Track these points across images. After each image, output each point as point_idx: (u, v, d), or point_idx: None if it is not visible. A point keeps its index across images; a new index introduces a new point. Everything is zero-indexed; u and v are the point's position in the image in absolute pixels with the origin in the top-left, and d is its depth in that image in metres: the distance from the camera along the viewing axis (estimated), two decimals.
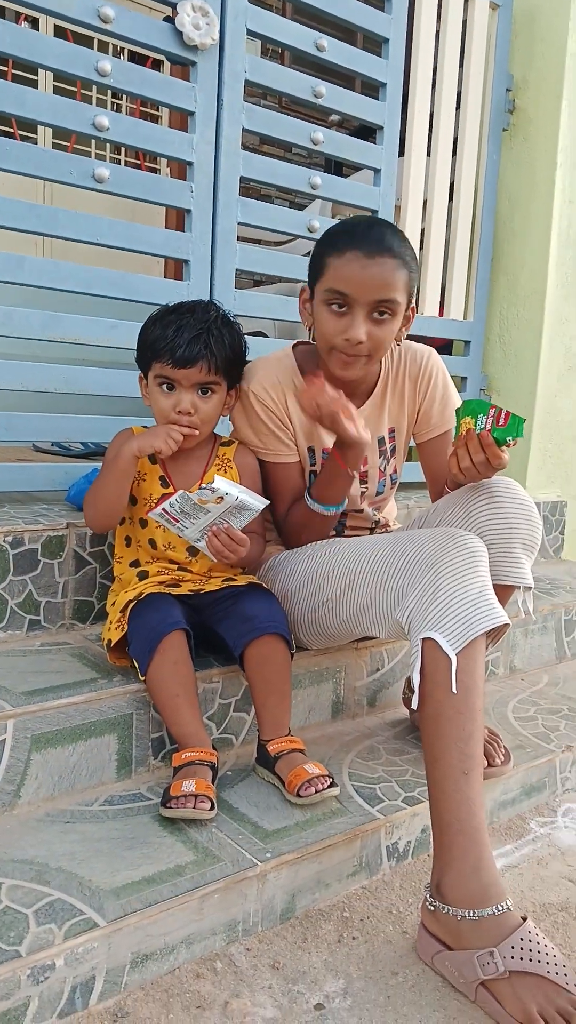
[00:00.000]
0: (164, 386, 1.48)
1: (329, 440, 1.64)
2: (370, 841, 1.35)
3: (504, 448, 1.37)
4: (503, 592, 1.46)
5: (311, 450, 1.64)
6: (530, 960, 1.05)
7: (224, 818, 1.31)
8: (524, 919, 1.11)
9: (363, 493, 1.70)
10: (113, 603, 1.51)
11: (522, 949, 1.06)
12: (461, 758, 1.20)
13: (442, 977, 1.15)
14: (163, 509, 1.40)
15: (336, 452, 1.50)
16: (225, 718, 1.54)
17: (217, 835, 1.27)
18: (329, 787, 1.34)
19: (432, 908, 1.16)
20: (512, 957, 1.06)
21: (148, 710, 1.43)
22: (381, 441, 1.69)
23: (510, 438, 1.36)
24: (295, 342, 1.70)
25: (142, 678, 1.38)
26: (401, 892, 1.34)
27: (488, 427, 1.36)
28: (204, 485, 1.37)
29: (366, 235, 1.43)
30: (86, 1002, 1.04)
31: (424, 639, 1.26)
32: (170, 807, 1.27)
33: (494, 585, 1.37)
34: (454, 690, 1.22)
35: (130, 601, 1.44)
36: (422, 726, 1.26)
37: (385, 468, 1.71)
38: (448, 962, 1.13)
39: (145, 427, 1.58)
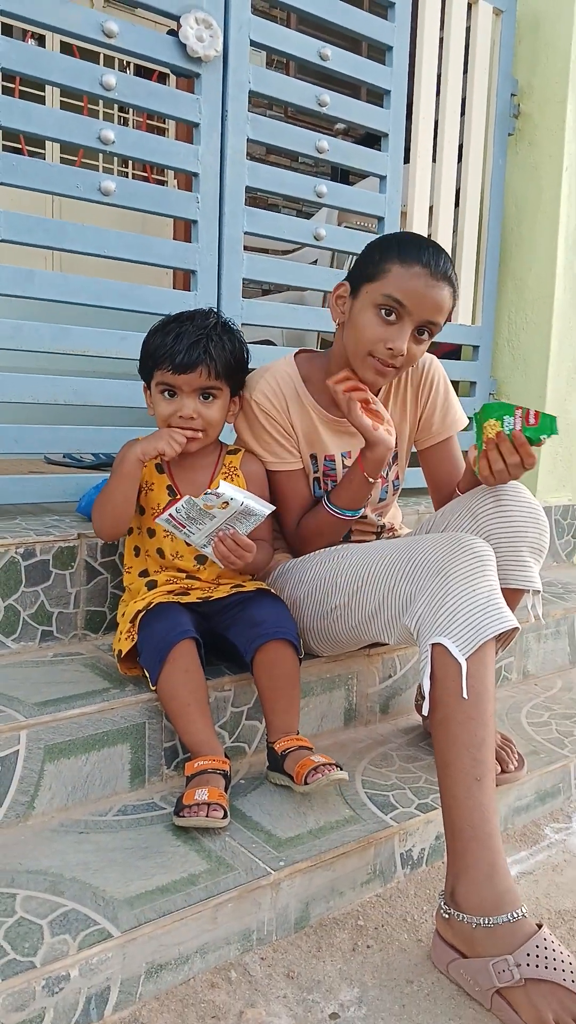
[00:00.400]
0: (166, 393, 1.50)
1: (333, 447, 1.64)
2: (384, 849, 1.35)
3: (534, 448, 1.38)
4: (512, 596, 1.46)
5: (313, 457, 1.65)
6: (546, 968, 1.05)
7: (237, 826, 1.31)
8: (539, 926, 1.10)
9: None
10: (123, 613, 1.52)
11: (538, 956, 1.06)
12: (473, 764, 1.19)
13: (457, 985, 1.14)
14: (169, 515, 1.40)
15: (359, 457, 1.52)
16: (238, 726, 1.54)
17: (230, 844, 1.27)
18: (338, 771, 1.32)
19: (447, 916, 1.16)
20: (528, 965, 1.06)
21: (160, 719, 1.43)
22: None
23: (544, 436, 1.36)
24: (297, 350, 1.71)
25: (153, 688, 1.39)
26: (416, 900, 1.33)
27: (519, 427, 1.37)
28: (209, 490, 1.38)
29: (435, 257, 1.44)
30: (101, 1013, 1.04)
31: (433, 644, 1.26)
32: (183, 816, 1.27)
33: (502, 589, 1.37)
34: (465, 695, 1.21)
35: (139, 611, 1.44)
36: (433, 732, 1.25)
37: (387, 474, 1.71)
38: (463, 970, 1.12)
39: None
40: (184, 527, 1.42)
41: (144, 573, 1.58)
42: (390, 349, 1.46)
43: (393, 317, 1.45)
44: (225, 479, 1.56)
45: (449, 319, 1.52)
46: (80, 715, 1.34)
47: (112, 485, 1.49)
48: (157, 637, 1.38)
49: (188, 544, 1.47)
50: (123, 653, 1.44)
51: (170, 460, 1.54)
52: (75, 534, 1.65)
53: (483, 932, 1.11)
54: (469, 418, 1.46)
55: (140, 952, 1.07)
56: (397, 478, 1.76)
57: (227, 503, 1.38)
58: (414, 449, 1.79)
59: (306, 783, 1.32)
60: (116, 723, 1.38)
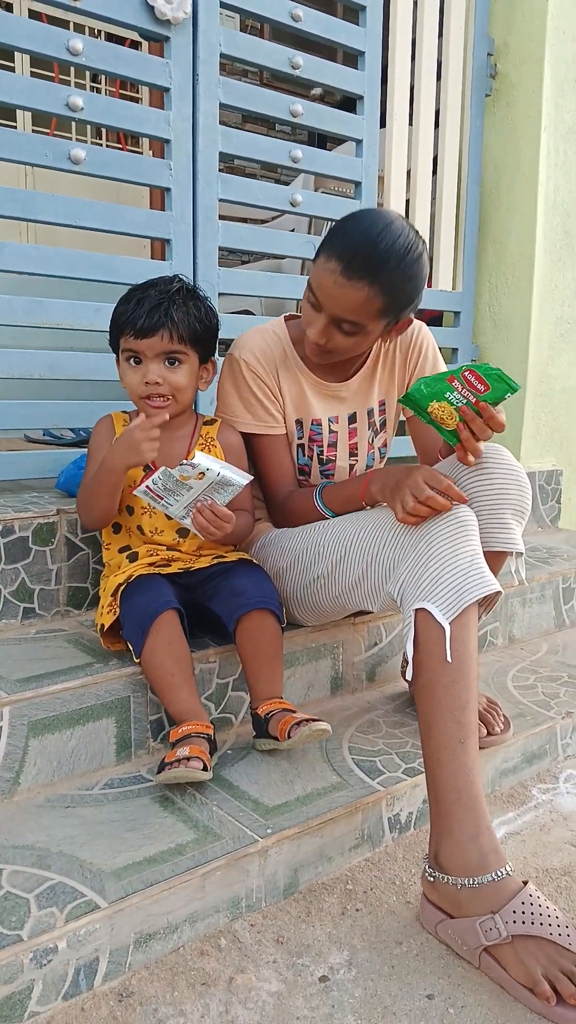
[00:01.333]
0: (131, 360, 1.48)
1: (320, 411, 1.63)
2: (371, 813, 1.35)
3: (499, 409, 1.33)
4: (495, 559, 1.46)
5: (299, 422, 1.63)
6: (532, 923, 1.06)
7: (224, 796, 1.32)
8: (525, 883, 1.11)
9: (352, 467, 1.69)
10: (104, 588, 1.51)
11: (523, 913, 1.07)
12: (457, 727, 1.19)
13: (446, 945, 1.15)
14: (147, 486, 1.39)
15: (365, 483, 1.47)
16: (224, 697, 1.54)
17: (218, 813, 1.27)
18: (322, 723, 1.32)
19: (432, 879, 1.16)
20: (514, 922, 1.06)
21: (145, 692, 1.43)
22: (370, 413, 1.68)
23: (508, 395, 1.30)
24: (286, 315, 1.69)
25: (137, 660, 1.38)
26: (404, 863, 1.34)
27: (474, 399, 1.31)
28: (185, 461, 1.36)
29: (358, 248, 1.35)
30: (91, 983, 1.04)
31: (417, 610, 1.26)
32: (163, 771, 1.27)
33: (485, 552, 1.36)
34: (449, 659, 1.21)
35: (120, 584, 1.43)
36: (417, 697, 1.25)
37: (374, 441, 1.70)
38: (451, 930, 1.13)
39: (126, 412, 1.59)
40: (162, 499, 1.40)
41: (125, 548, 1.56)
42: (309, 337, 1.46)
43: (314, 306, 1.44)
44: (202, 450, 1.54)
45: (405, 310, 1.43)
46: (63, 690, 1.33)
47: (98, 489, 1.45)
48: (139, 609, 1.37)
49: (168, 517, 1.46)
50: (105, 627, 1.43)
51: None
52: (54, 510, 1.63)
53: (468, 893, 1.11)
54: (404, 400, 1.38)
55: (128, 922, 1.07)
56: (384, 445, 1.74)
57: (203, 473, 1.36)
58: (402, 418, 1.78)
59: (289, 737, 1.33)
60: (100, 697, 1.38)
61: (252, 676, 1.45)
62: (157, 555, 1.52)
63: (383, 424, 1.71)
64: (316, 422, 1.63)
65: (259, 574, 1.50)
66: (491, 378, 1.30)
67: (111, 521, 1.54)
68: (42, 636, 1.56)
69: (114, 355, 1.55)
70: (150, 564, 1.49)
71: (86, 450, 1.86)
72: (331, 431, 1.65)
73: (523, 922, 1.06)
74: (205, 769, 1.27)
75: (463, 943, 1.11)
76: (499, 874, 1.11)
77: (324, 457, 1.66)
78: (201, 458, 1.37)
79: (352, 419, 1.66)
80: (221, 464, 1.39)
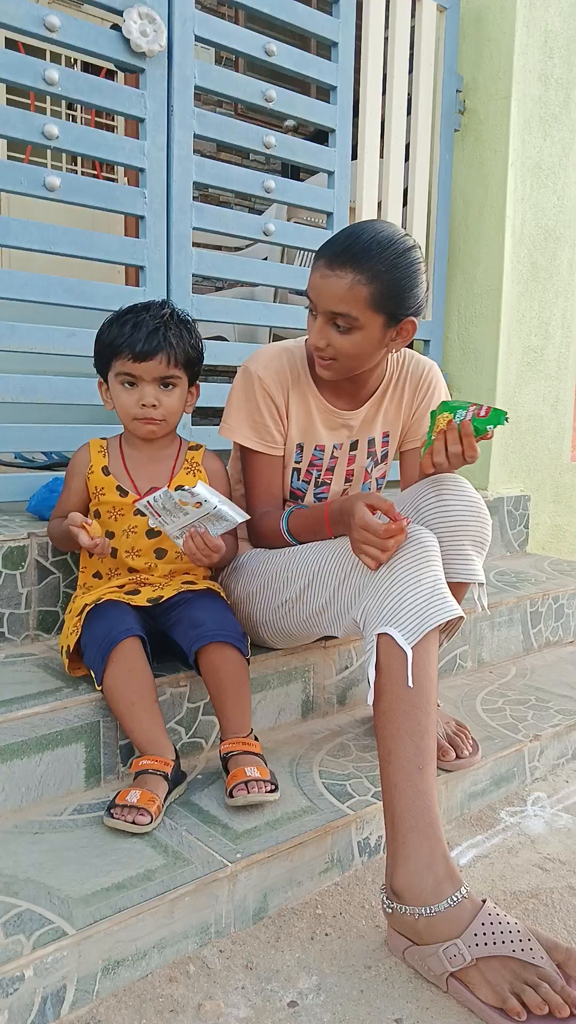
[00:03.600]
0: (126, 383, 1.49)
1: (326, 438, 1.63)
2: (341, 837, 1.36)
3: (478, 440, 1.39)
4: (457, 589, 1.47)
5: (300, 447, 1.63)
6: (495, 943, 1.07)
7: (195, 820, 1.31)
8: (484, 901, 1.12)
9: (345, 491, 1.70)
10: (71, 609, 1.51)
11: (485, 934, 1.08)
12: (416, 753, 1.21)
13: (414, 970, 1.15)
14: (147, 502, 1.40)
15: (326, 514, 1.47)
16: (194, 722, 1.54)
17: (187, 838, 1.27)
18: (268, 792, 1.32)
19: (389, 910, 1.17)
20: (476, 944, 1.07)
21: (115, 717, 1.42)
22: (371, 443, 1.68)
23: (490, 427, 1.38)
24: (305, 338, 1.69)
25: (99, 687, 1.38)
26: (373, 887, 1.34)
27: (468, 418, 1.39)
28: (186, 488, 1.37)
29: (340, 243, 1.39)
30: (57, 1012, 1.03)
31: (380, 634, 1.27)
32: (111, 816, 1.27)
33: (448, 583, 1.37)
34: (410, 684, 1.23)
35: (87, 605, 1.43)
36: (376, 721, 1.26)
37: (371, 471, 1.71)
38: (417, 956, 1.13)
39: (104, 439, 1.59)
40: (159, 516, 1.42)
41: (98, 575, 1.57)
42: (311, 342, 1.47)
43: (312, 312, 1.46)
44: (187, 474, 1.56)
45: (404, 304, 1.42)
46: (32, 715, 1.33)
47: (57, 530, 1.53)
48: (100, 636, 1.37)
49: (166, 534, 1.46)
50: (70, 648, 1.43)
51: (126, 454, 1.56)
52: (25, 534, 1.63)
53: (426, 922, 1.12)
54: (431, 413, 1.45)
55: (96, 949, 1.06)
56: (383, 476, 1.75)
57: (200, 504, 1.38)
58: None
59: (231, 795, 1.32)
60: (69, 722, 1.37)
61: (218, 708, 1.45)
62: (126, 578, 1.52)
63: (384, 456, 1.72)
64: (319, 448, 1.63)
65: (219, 606, 1.49)
66: (495, 411, 1.38)
67: (74, 549, 1.55)
68: (11, 660, 1.55)
69: (97, 377, 1.57)
70: (118, 587, 1.49)
71: (57, 474, 1.87)
72: (332, 456, 1.65)
73: (485, 943, 1.07)
74: (151, 821, 1.26)
75: (429, 969, 1.12)
76: (455, 899, 1.12)
77: (319, 480, 1.67)
78: (201, 488, 1.38)
79: (353, 446, 1.67)
80: (220, 498, 1.40)
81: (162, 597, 1.50)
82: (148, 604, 1.48)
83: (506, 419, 1.38)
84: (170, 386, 1.51)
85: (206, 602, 1.49)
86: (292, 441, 1.62)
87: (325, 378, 1.54)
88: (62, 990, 1.04)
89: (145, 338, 1.45)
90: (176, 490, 1.38)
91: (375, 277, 1.37)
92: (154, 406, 1.49)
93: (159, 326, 1.46)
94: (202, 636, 1.42)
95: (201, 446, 1.63)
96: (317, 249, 1.46)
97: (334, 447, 1.64)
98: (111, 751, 1.42)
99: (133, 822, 1.25)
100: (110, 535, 1.53)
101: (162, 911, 1.13)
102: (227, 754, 1.40)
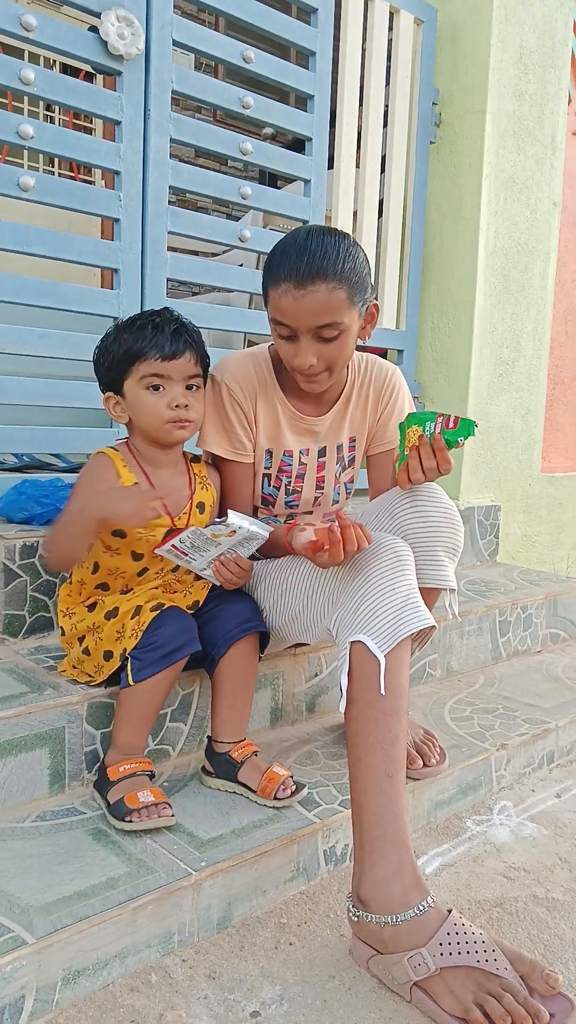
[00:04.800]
0: (152, 387, 1.41)
1: (293, 443, 1.62)
2: (307, 846, 1.35)
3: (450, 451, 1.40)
4: (429, 595, 1.48)
5: (269, 452, 1.63)
6: (459, 953, 1.06)
7: (159, 829, 1.30)
8: (449, 911, 1.12)
9: (317, 499, 1.70)
10: (109, 609, 1.44)
11: (450, 944, 1.07)
12: (386, 760, 1.20)
13: (378, 979, 1.15)
14: (172, 545, 1.37)
15: (287, 536, 1.47)
16: (162, 729, 1.53)
17: (151, 846, 1.25)
18: (293, 792, 1.41)
19: (355, 918, 1.16)
20: (441, 954, 1.07)
21: (81, 723, 1.40)
22: (339, 448, 1.68)
23: (461, 438, 1.39)
24: (271, 344, 1.69)
25: (131, 682, 1.34)
26: (338, 896, 1.34)
27: (438, 431, 1.39)
28: (218, 520, 1.36)
29: (298, 261, 1.36)
30: (15, 1022, 1.01)
31: (353, 642, 1.27)
32: (131, 820, 1.27)
33: (420, 589, 1.38)
34: (383, 691, 1.23)
35: (140, 607, 1.40)
36: (348, 728, 1.26)
37: (340, 476, 1.71)
38: (381, 965, 1.13)
39: (115, 449, 1.48)
40: (186, 555, 1.39)
41: (104, 586, 1.49)
42: (298, 365, 1.45)
43: (291, 337, 1.43)
44: (203, 490, 1.53)
45: (367, 295, 1.44)
46: None
47: (65, 533, 1.38)
48: (168, 641, 1.34)
49: (192, 569, 1.45)
50: (128, 650, 1.36)
51: (148, 472, 1.47)
52: None
53: (392, 930, 1.12)
54: (400, 426, 1.47)
55: (57, 959, 1.05)
56: (351, 481, 1.75)
57: (235, 531, 1.37)
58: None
59: (276, 798, 1.38)
60: (34, 727, 1.35)
61: (226, 704, 1.46)
62: (159, 581, 1.50)
63: (351, 460, 1.72)
64: (288, 453, 1.63)
65: (251, 600, 1.53)
66: (463, 421, 1.39)
67: (77, 563, 1.46)
68: None
69: (96, 389, 1.49)
70: (161, 589, 1.49)
71: (28, 476, 1.85)
72: (300, 463, 1.65)
73: (450, 953, 1.07)
74: (173, 814, 1.30)
75: (393, 978, 1.11)
76: (421, 908, 1.12)
77: (291, 488, 1.66)
78: (234, 516, 1.37)
79: (322, 453, 1.67)
80: (249, 520, 1.39)
81: (198, 601, 1.52)
82: (189, 610, 1.49)
83: (475, 429, 1.39)
84: (194, 387, 1.45)
85: (239, 596, 1.52)
86: (261, 447, 1.61)
87: (316, 391, 1.52)
88: (21, 1000, 1.02)
89: (171, 337, 1.40)
90: (208, 525, 1.36)
91: (343, 278, 1.38)
92: (187, 406, 1.43)
93: (180, 327, 1.43)
94: (243, 627, 1.44)
95: (199, 457, 1.60)
96: (266, 272, 1.43)
97: (301, 452, 1.65)
98: (76, 758, 1.41)
99: (159, 816, 1.28)
100: (138, 557, 1.46)
101: (124, 920, 1.11)
102: (242, 760, 1.43)
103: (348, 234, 1.45)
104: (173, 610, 1.40)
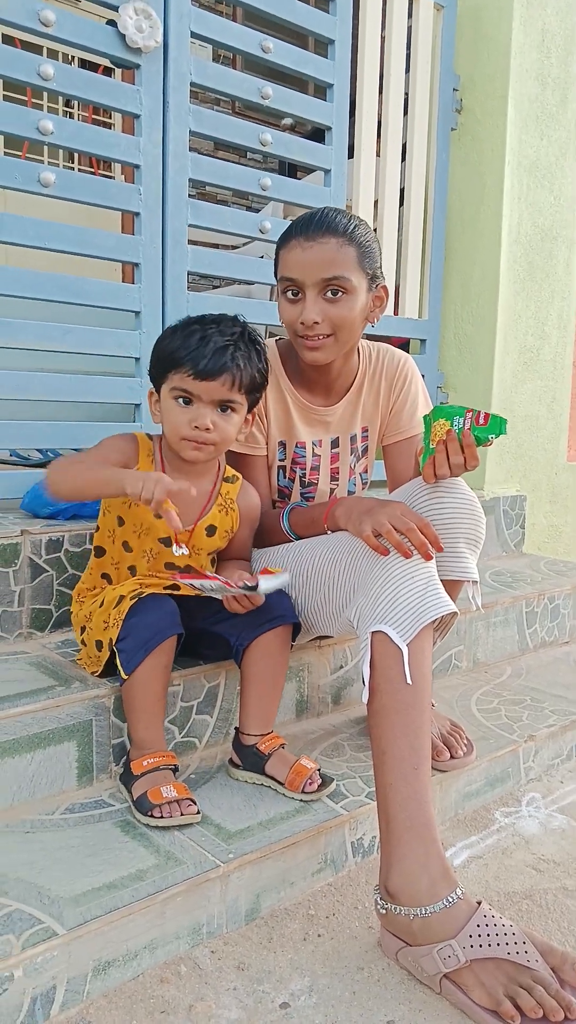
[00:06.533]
0: (180, 400, 1.36)
1: (305, 434, 1.63)
2: (334, 838, 1.35)
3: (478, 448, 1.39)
4: (451, 587, 1.47)
5: (282, 444, 1.63)
6: (489, 945, 1.06)
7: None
8: (479, 903, 1.11)
9: (333, 491, 1.70)
10: (102, 602, 1.42)
11: (480, 936, 1.07)
12: (410, 752, 1.20)
13: (407, 971, 1.15)
14: (191, 584, 1.34)
15: (328, 509, 1.47)
16: (188, 721, 1.53)
17: (179, 838, 1.26)
18: (320, 787, 1.40)
19: (383, 911, 1.16)
20: (471, 946, 1.06)
21: (108, 716, 1.41)
22: (353, 439, 1.69)
23: (491, 436, 1.37)
24: (277, 338, 1.70)
25: (125, 676, 1.33)
26: (366, 887, 1.34)
27: (467, 427, 1.37)
28: (248, 583, 1.32)
29: (308, 221, 1.44)
30: (47, 1012, 1.02)
31: (373, 632, 1.26)
32: (155, 816, 1.27)
33: (441, 581, 1.37)
34: (409, 681, 1.22)
35: (123, 597, 1.37)
36: (370, 720, 1.26)
37: (355, 466, 1.71)
38: (410, 957, 1.12)
39: (149, 436, 1.49)
40: (202, 590, 1.36)
41: (106, 576, 1.51)
42: (303, 323, 1.45)
43: (297, 295, 1.46)
44: (220, 512, 1.49)
45: (378, 271, 1.49)
46: (23, 713, 1.32)
47: (90, 478, 1.33)
48: (146, 628, 1.32)
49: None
50: (112, 641, 1.34)
51: (168, 471, 1.44)
52: (18, 531, 1.62)
53: (421, 923, 1.11)
54: (424, 418, 1.45)
55: (86, 950, 1.05)
56: (366, 471, 1.75)
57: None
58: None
59: (304, 791, 1.38)
60: (62, 721, 1.36)
61: (255, 695, 1.45)
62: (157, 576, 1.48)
63: (365, 450, 1.72)
64: (300, 445, 1.64)
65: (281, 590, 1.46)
66: (494, 418, 1.37)
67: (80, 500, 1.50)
68: (3, 658, 1.54)
69: (151, 384, 1.45)
70: (157, 583, 1.46)
71: None
72: (314, 454, 1.65)
73: (480, 945, 1.06)
74: (199, 811, 1.30)
75: (422, 970, 1.11)
76: (450, 900, 1.11)
77: (306, 480, 1.66)
78: (264, 584, 1.32)
79: (335, 444, 1.67)
80: (278, 580, 1.35)
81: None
82: (193, 593, 1.42)
83: (506, 427, 1.37)
84: (228, 410, 1.38)
85: None
86: (273, 439, 1.62)
87: (319, 361, 1.51)
88: (52, 991, 1.03)
89: (212, 355, 1.32)
90: (236, 588, 1.31)
91: (352, 238, 1.44)
92: (208, 429, 1.36)
93: (228, 344, 1.34)
94: (274, 618, 1.42)
95: (238, 478, 1.54)
96: (279, 241, 1.49)
97: (314, 443, 1.64)
98: (104, 750, 1.41)
99: (182, 814, 1.28)
100: (127, 548, 1.47)
101: (153, 911, 1.12)
102: (270, 752, 1.43)
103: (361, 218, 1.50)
104: (151, 597, 1.36)
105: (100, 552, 1.52)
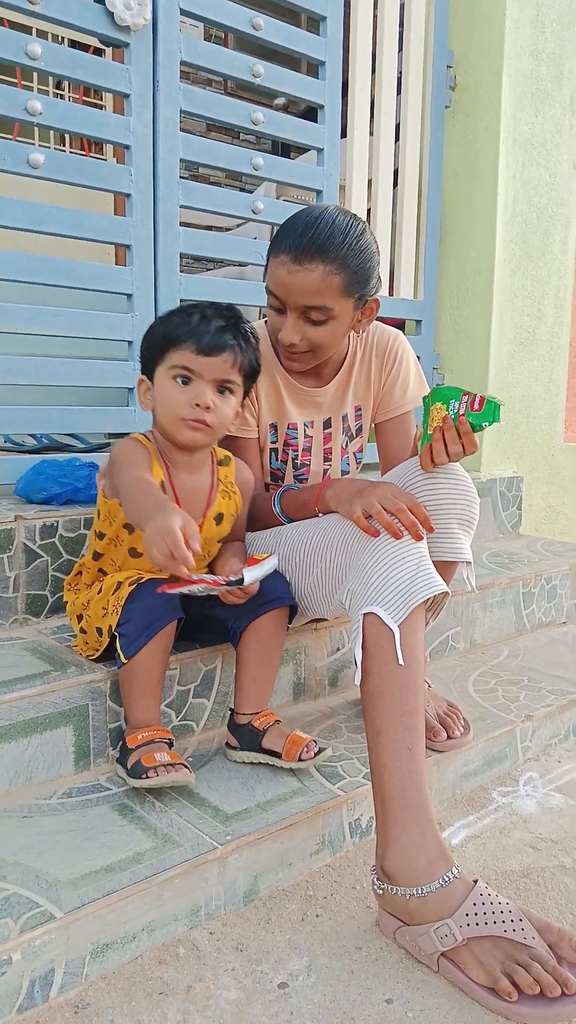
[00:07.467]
0: (179, 379, 1.34)
1: (296, 415, 1.62)
2: (332, 819, 1.35)
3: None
4: (444, 568, 1.47)
5: (274, 426, 1.62)
6: (486, 923, 1.06)
7: (184, 803, 1.31)
8: (475, 882, 1.12)
9: (326, 471, 1.69)
10: (99, 590, 1.42)
11: (476, 914, 1.07)
12: (405, 732, 1.20)
13: (405, 950, 1.15)
14: (179, 592, 1.29)
15: (319, 491, 1.47)
16: (184, 704, 1.53)
17: (177, 821, 1.26)
18: (325, 750, 1.42)
19: (380, 891, 1.16)
20: (468, 924, 1.07)
21: (104, 700, 1.41)
22: (345, 418, 1.68)
23: (485, 423, 1.35)
24: (267, 318, 1.68)
25: (124, 660, 1.32)
26: (364, 868, 1.34)
27: (462, 412, 1.35)
28: (233, 579, 1.30)
29: (301, 236, 1.37)
30: (46, 995, 1.03)
31: (365, 614, 1.26)
32: (148, 777, 1.27)
33: (434, 563, 1.36)
34: (401, 662, 1.22)
35: (121, 583, 1.37)
36: (364, 702, 1.25)
37: (348, 446, 1.70)
38: (408, 936, 1.13)
39: (144, 435, 1.43)
40: (191, 593, 1.31)
41: (103, 571, 1.50)
42: (281, 340, 1.45)
43: (281, 309, 1.43)
44: (224, 499, 1.47)
45: (369, 288, 1.44)
46: (19, 698, 1.31)
47: (131, 510, 1.26)
48: (150, 610, 1.31)
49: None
50: (111, 628, 1.34)
51: (171, 472, 1.41)
52: (12, 516, 1.62)
53: (418, 902, 1.11)
54: (424, 400, 1.43)
55: (85, 932, 1.06)
56: (360, 451, 1.74)
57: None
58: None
59: (300, 759, 1.39)
60: (58, 705, 1.36)
61: (249, 678, 1.45)
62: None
63: (359, 430, 1.71)
64: (292, 426, 1.63)
65: (278, 574, 1.46)
66: (488, 403, 1.34)
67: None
68: None
69: (141, 368, 1.43)
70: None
71: (46, 457, 1.86)
72: (306, 436, 1.64)
73: (476, 923, 1.07)
74: (191, 773, 1.30)
75: (420, 949, 1.11)
76: (447, 879, 1.11)
77: (298, 462, 1.66)
78: (250, 576, 1.32)
79: (327, 424, 1.66)
80: (264, 568, 1.35)
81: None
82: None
83: (500, 413, 1.35)
84: (226, 392, 1.37)
85: None
86: (264, 422, 1.61)
87: (297, 370, 1.54)
88: (50, 973, 1.03)
89: (214, 331, 1.32)
90: (223, 585, 1.29)
91: (343, 265, 1.38)
92: (208, 408, 1.34)
93: (229, 324, 1.35)
94: (272, 600, 1.42)
95: (230, 459, 1.52)
96: (272, 239, 1.43)
97: (306, 424, 1.63)
98: (100, 735, 1.41)
99: (176, 773, 1.28)
100: (134, 554, 1.44)
101: (151, 894, 1.12)
102: (264, 728, 1.43)
103: (365, 223, 1.44)
104: (151, 582, 1.35)
105: (97, 556, 1.49)
